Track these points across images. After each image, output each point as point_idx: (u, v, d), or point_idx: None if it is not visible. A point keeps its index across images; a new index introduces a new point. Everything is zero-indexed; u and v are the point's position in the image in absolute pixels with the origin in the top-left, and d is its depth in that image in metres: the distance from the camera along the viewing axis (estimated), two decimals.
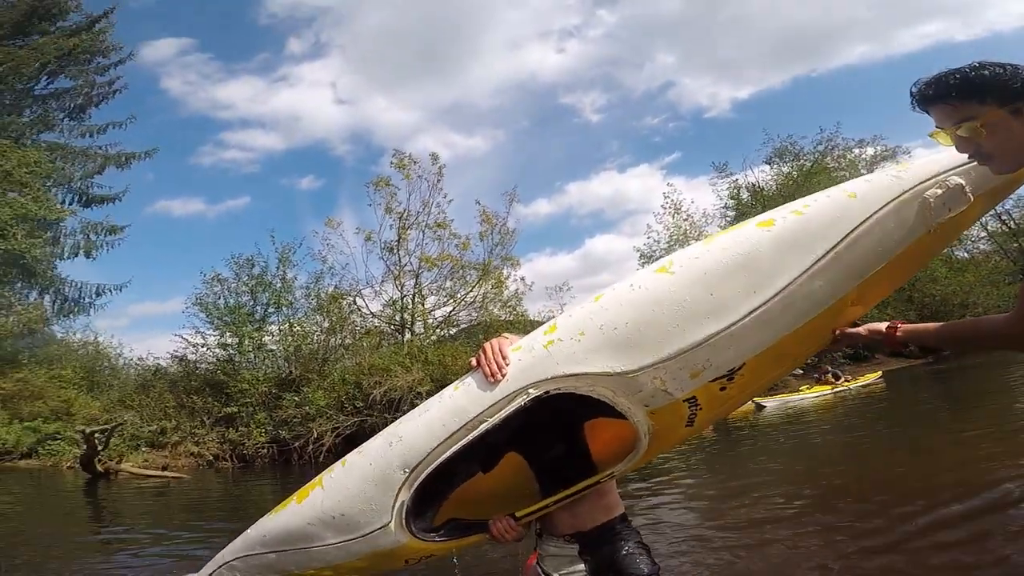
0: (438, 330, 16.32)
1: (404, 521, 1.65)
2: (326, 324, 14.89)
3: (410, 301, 16.10)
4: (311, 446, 12.28)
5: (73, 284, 15.67)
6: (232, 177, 38.58)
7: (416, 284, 16.07)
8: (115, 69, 17.52)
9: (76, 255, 15.75)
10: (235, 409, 12.61)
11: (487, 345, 1.63)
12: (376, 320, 16.10)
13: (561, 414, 1.71)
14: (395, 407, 12.65)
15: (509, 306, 16.14)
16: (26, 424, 11.39)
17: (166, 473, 10.15)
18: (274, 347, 14.21)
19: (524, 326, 15.08)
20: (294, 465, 11.98)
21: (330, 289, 15.30)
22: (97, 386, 13.71)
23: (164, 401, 12.65)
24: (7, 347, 12.92)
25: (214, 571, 2.21)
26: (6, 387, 11.92)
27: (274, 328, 14.32)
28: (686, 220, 20.54)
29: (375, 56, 44.87)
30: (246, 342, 13.60)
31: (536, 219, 40.28)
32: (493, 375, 1.55)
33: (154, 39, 38.43)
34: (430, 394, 12.29)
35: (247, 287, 14.17)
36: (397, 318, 16.06)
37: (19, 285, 14.04)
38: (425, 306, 16.35)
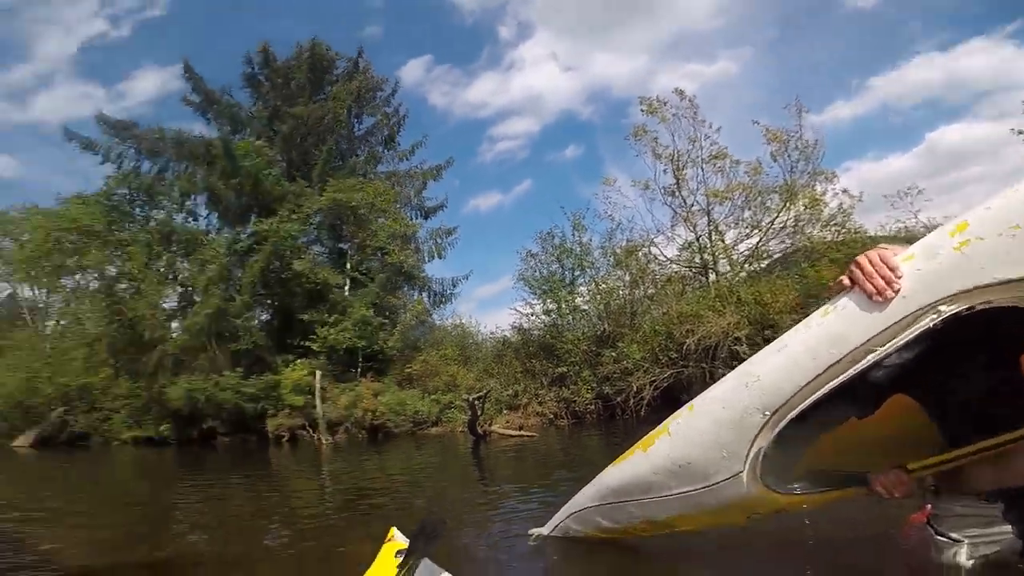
0: (746, 266, 14.98)
1: (758, 471, 1.49)
2: (627, 278, 15.15)
3: (707, 240, 15.22)
4: (632, 400, 12.67)
5: (437, 280, 19.82)
6: (510, 165, 43.30)
7: (709, 221, 15.09)
8: (393, 98, 20.95)
9: (432, 258, 19.94)
10: (564, 369, 13.99)
11: (863, 258, 1.33)
12: (675, 266, 15.68)
13: (982, 339, 1.35)
14: (711, 355, 12.24)
15: (834, 225, 13.79)
16: (431, 397, 14.55)
17: (522, 432, 11.53)
18: (586, 307, 15.27)
19: (863, 245, 12.64)
20: (618, 420, 12.58)
21: (623, 244, 15.53)
22: (468, 360, 16.48)
23: (513, 367, 14.92)
24: (410, 337, 16.89)
25: (558, 524, 2.43)
26: (415, 368, 15.51)
27: (583, 289, 15.34)
28: None
29: (575, 16, 43.64)
30: (562, 305, 15.00)
31: (838, 124, 33.96)
32: (881, 292, 1.25)
33: (402, 64, 45.97)
34: (749, 339, 11.45)
35: (554, 257, 15.54)
36: (697, 260, 15.42)
37: (405, 288, 18.37)
38: (725, 242, 15.22)
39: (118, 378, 15.13)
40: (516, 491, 4.78)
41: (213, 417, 14.73)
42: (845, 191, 13.88)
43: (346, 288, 16.74)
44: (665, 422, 1.79)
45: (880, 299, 1.26)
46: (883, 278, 1.26)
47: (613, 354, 13.44)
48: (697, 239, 15.21)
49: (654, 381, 12.82)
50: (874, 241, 12.48)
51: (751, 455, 1.48)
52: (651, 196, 15.48)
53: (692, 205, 15.09)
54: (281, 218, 15.83)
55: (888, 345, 1.28)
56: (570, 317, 15.17)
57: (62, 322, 17.99)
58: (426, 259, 19.45)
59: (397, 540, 1.90)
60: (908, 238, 12.23)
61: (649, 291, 15.26)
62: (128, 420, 14.65)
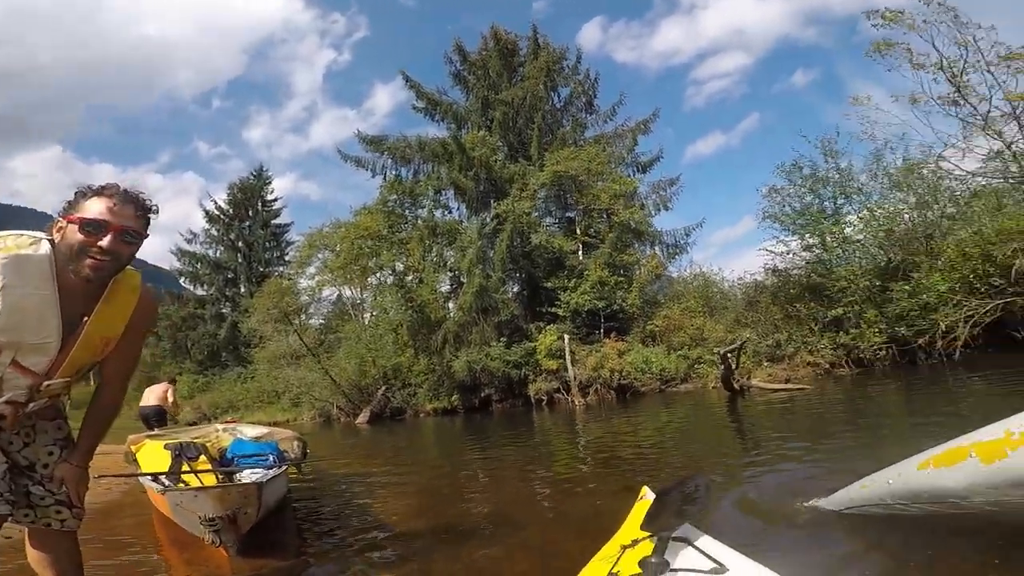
0: None
1: None
2: (911, 199, 12.87)
3: (1022, 146, 12.17)
4: (940, 341, 10.39)
5: (667, 233, 19.63)
6: (729, 103, 39.30)
7: (1021, 126, 12.13)
8: (580, 64, 20.98)
9: (659, 211, 19.82)
10: (840, 311, 12.15)
11: None
12: (980, 179, 12.80)
13: None
14: None
15: None
16: (678, 353, 14.30)
17: (789, 386, 10.38)
18: (860, 237, 13.18)
19: None
20: (921, 365, 10.47)
21: (897, 164, 13.22)
22: (715, 310, 15.84)
23: (771, 314, 13.57)
24: (648, 293, 16.95)
25: (844, 503, 2.15)
26: (658, 324, 15.47)
27: (852, 218, 13.34)
28: None
29: None
30: (828, 239, 13.22)
31: None
32: None
33: (576, 30, 43.22)
34: None
35: (806, 188, 13.92)
36: (1013, 168, 12.37)
37: (636, 245, 18.42)
38: None
39: (417, 357, 18.29)
40: (781, 454, 4.24)
41: (488, 385, 16.91)
42: None
43: (579, 253, 17.47)
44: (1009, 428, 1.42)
45: None
46: None
47: (907, 288, 11.29)
48: (1008, 147, 12.44)
49: (971, 316, 10.22)
50: None
51: None
52: (925, 109, 13.16)
53: (989, 112, 12.51)
54: (513, 198, 17.32)
55: None
56: (839, 251, 13.37)
57: (374, 313, 22.43)
58: (652, 213, 19.34)
59: (648, 498, 1.88)
60: None
61: (948, 210, 12.73)
62: (429, 393, 17.58)
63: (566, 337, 15.29)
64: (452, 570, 2.59)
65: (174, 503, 2.94)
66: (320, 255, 22.99)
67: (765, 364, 12.50)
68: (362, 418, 16.95)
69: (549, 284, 17.02)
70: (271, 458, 3.76)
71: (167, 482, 3.27)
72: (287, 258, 31.86)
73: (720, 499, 2.99)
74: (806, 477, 3.26)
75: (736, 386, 10.16)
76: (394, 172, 20.28)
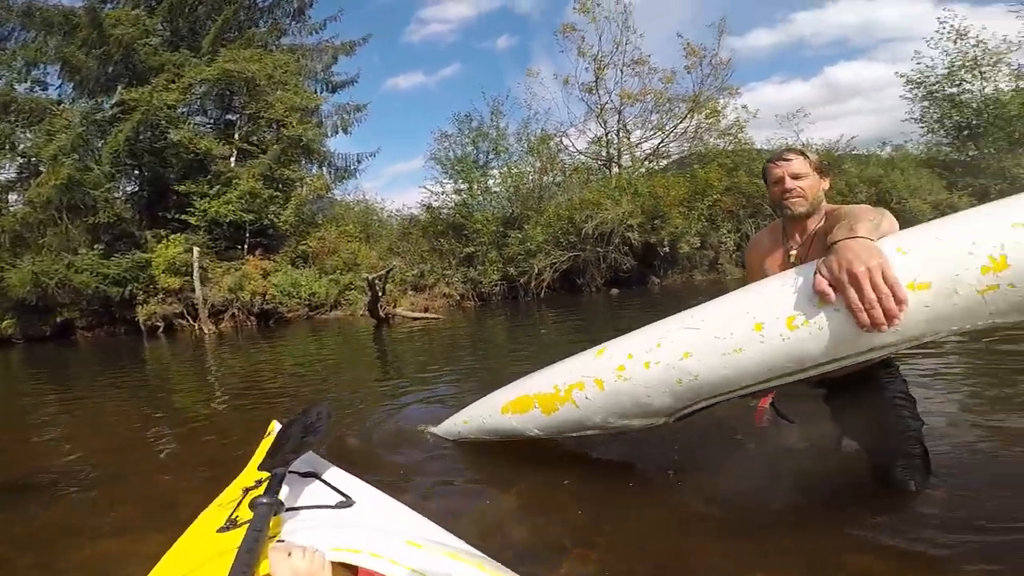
0: (646, 163, 16.60)
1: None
2: (538, 164, 15.78)
3: (615, 136, 16.60)
4: (533, 282, 13.36)
5: (340, 156, 19.07)
6: (440, 48, 42.13)
7: (619, 119, 16.51)
8: None
9: (336, 133, 19.00)
10: (473, 248, 14.12)
11: (864, 278, 1.07)
12: (583, 157, 16.86)
13: None
14: (606, 240, 13.15)
15: (729, 134, 15.64)
16: (330, 277, 13.92)
17: (427, 315, 11.23)
18: (497, 189, 15.52)
19: (749, 156, 14.71)
20: (520, 301, 12.93)
21: (538, 132, 16.12)
22: (371, 238, 16.21)
23: (420, 246, 14.70)
24: (306, 212, 16.08)
25: (452, 430, 2.35)
26: (312, 245, 14.78)
27: (495, 172, 15.64)
28: (975, 46, 15.27)
29: None
30: (474, 186, 15.15)
31: (756, 51, 38.53)
32: (877, 326, 1.08)
33: None
34: (641, 227, 12.37)
35: (469, 139, 15.67)
36: (603, 153, 16.69)
37: (304, 162, 17.38)
38: (631, 140, 16.68)
39: None
40: (420, 379, 4.52)
41: (70, 307, 13.01)
42: (744, 107, 15.80)
43: (232, 159, 15.33)
44: (569, 390, 1.72)
45: (875, 328, 1.09)
46: (886, 312, 1.07)
47: (519, 235, 13.87)
48: (606, 134, 16.64)
49: (555, 264, 13.52)
50: (760, 154, 14.63)
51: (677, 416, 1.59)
52: (570, 91, 16.71)
53: (606, 104, 16.47)
54: (156, 87, 14.18)
55: (849, 360, 1.22)
56: (481, 198, 15.43)
57: None
58: (329, 134, 18.58)
59: (276, 434, 1.67)
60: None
61: (557, 178, 16.10)
62: None
63: (196, 250, 12.90)
64: (20, 535, 1.99)
65: None
66: None
67: (410, 293, 13.49)
68: None
69: (183, 188, 14.34)
70: None
71: None
72: None
73: (351, 428, 2.98)
74: (434, 403, 3.50)
75: (382, 314, 10.52)
76: None
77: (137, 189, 16.04)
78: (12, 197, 14.70)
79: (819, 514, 1.54)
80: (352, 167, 19.26)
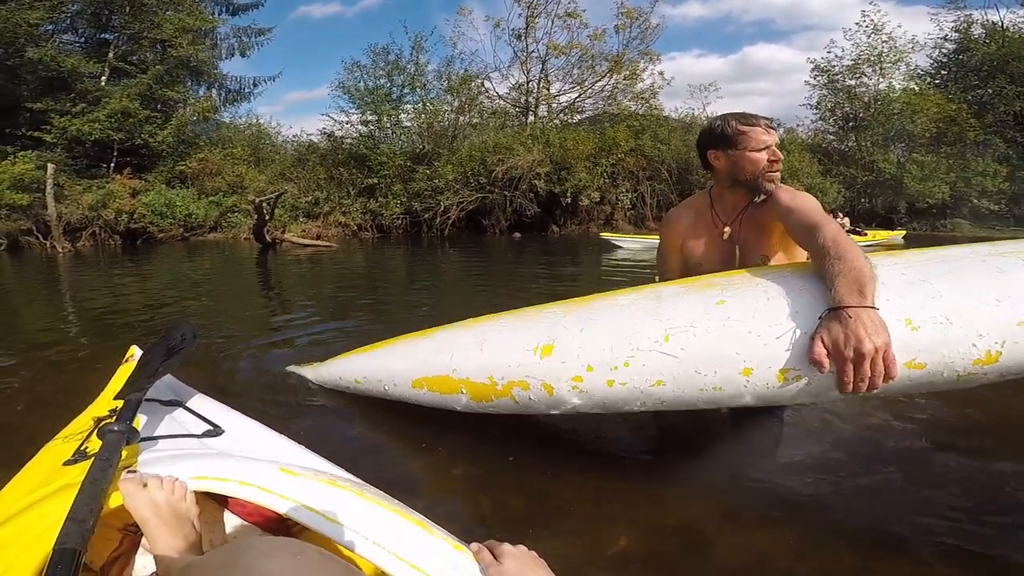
0: (562, 115, 16.60)
1: None
2: (456, 104, 15.32)
3: (535, 85, 16.45)
4: (439, 219, 13.20)
5: (233, 78, 17.71)
6: None
7: (543, 70, 16.34)
8: None
9: (232, 55, 17.69)
10: (375, 180, 13.47)
11: (868, 349, 0.98)
12: (502, 102, 16.57)
13: None
14: (515, 185, 13.25)
15: (642, 98, 15.83)
16: (211, 199, 12.89)
17: (319, 243, 10.70)
18: (409, 124, 14.91)
19: (656, 121, 15.10)
20: (423, 237, 12.67)
21: (460, 72, 15.61)
22: (262, 162, 15.00)
23: (316, 173, 13.73)
24: (187, 133, 14.58)
25: (323, 376, 2.07)
26: (192, 166, 13.46)
27: (409, 107, 15.00)
28: (886, 42, 16.02)
29: None
30: (384, 119, 14.36)
31: (685, 20, 38.58)
32: (857, 391, 1.03)
33: None
34: (548, 176, 12.68)
35: (384, 72, 14.84)
36: (522, 100, 16.52)
37: (190, 83, 15.91)
38: (550, 91, 16.61)
39: None
40: (303, 311, 4.15)
41: None
42: (661, 73, 16.00)
43: (103, 79, 13.75)
44: (508, 385, 1.45)
45: (846, 393, 1.04)
46: (871, 385, 1.00)
47: (427, 172, 13.46)
48: (528, 83, 16.51)
49: (462, 203, 13.32)
50: (667, 121, 15.31)
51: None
52: (499, 35, 17.19)
53: (532, 52, 16.28)
54: (18, 4, 12.43)
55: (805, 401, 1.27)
56: (389, 131, 14.78)
57: None
58: (223, 56, 17.41)
59: (135, 359, 1.52)
60: (691, 123, 14.83)
61: (474, 120, 15.74)
62: None
63: (50, 167, 11.15)
64: None
65: None
66: None
67: (301, 220, 12.79)
68: None
69: (38, 105, 12.67)
70: None
71: None
72: None
73: (223, 355, 2.72)
74: (314, 335, 3.22)
75: (268, 239, 9.85)
76: None
77: None
78: None
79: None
80: (247, 90, 18.14)
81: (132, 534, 0.95)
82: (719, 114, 1.54)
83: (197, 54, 14.70)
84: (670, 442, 1.71)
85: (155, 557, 0.79)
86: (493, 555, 0.66)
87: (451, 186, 13.23)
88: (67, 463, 0.96)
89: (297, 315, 3.98)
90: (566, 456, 1.60)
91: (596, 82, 16.34)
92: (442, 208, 13.17)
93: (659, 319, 1.27)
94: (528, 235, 12.88)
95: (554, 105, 16.68)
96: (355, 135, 14.68)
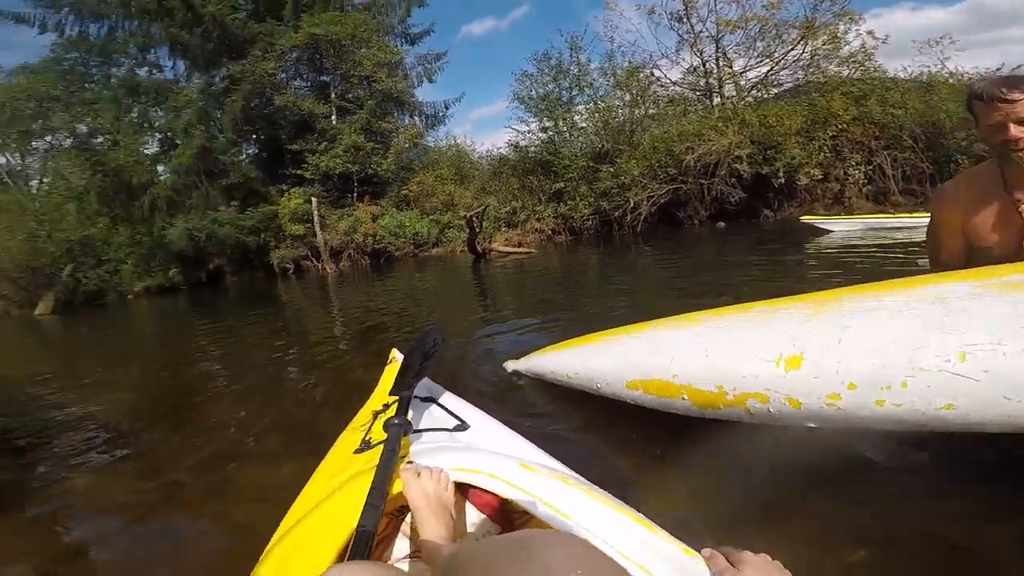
0: (753, 92, 14.95)
1: None
2: (627, 98, 14.92)
3: (714, 66, 15.15)
4: (629, 216, 12.90)
5: (428, 104, 19.46)
6: None
7: (718, 48, 14.98)
8: None
9: (422, 82, 19.38)
10: (562, 184, 13.87)
11: None
12: (678, 88, 15.59)
13: None
14: (711, 172, 12.28)
15: (854, 62, 13.47)
16: (430, 218, 14.73)
17: (520, 250, 11.43)
18: (584, 125, 14.99)
19: (882, 84, 12.58)
20: (615, 235, 12.51)
21: (624, 66, 15.14)
22: (465, 179, 16.51)
23: (510, 184, 14.73)
24: (404, 160, 16.73)
25: (534, 370, 2.20)
26: (412, 189, 15.53)
27: (581, 108, 15.07)
28: None
29: None
30: (560, 123, 14.74)
31: None
32: None
33: None
34: (751, 157, 11.18)
35: (550, 77, 15.16)
36: (701, 83, 15.37)
37: (396, 113, 18.04)
38: (733, 69, 15.08)
39: (116, 227, 14.91)
40: (513, 312, 4.59)
41: (218, 256, 14.81)
42: (870, 32, 13.39)
43: (332, 117, 16.13)
44: (742, 396, 1.32)
45: None
46: None
47: (611, 170, 13.34)
48: (703, 64, 15.23)
49: (652, 196, 12.85)
50: (895, 83, 12.67)
51: None
52: (656, 21, 15.38)
53: (700, 32, 15.02)
54: (254, 58, 15.17)
55: None
56: (567, 134, 15.00)
57: (44, 180, 17.35)
58: (415, 84, 19.04)
59: (397, 361, 1.83)
60: (930, 82, 11.87)
61: (650, 111, 15.15)
62: (137, 270, 14.69)
63: (314, 200, 14.19)
64: (194, 463, 2.20)
65: None
66: None
67: (503, 229, 13.78)
68: (43, 308, 13.28)
69: (295, 147, 15.46)
70: None
71: None
72: None
73: (460, 357, 3.08)
74: (527, 334, 3.51)
75: (479, 249, 10.83)
76: (78, 28, 16.21)
77: (257, 151, 17.42)
78: (159, 168, 16.50)
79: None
80: (440, 114, 19.65)
81: (395, 518, 1.03)
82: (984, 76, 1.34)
83: (395, 85, 16.41)
84: (915, 454, 1.45)
85: (420, 542, 0.85)
86: (729, 561, 0.62)
87: (638, 181, 12.89)
88: (356, 451, 1.14)
89: (508, 315, 4.39)
90: (799, 460, 1.45)
91: (788, 52, 14.37)
92: (631, 204, 12.90)
93: (949, 332, 1.04)
94: (734, 223, 11.81)
95: (742, 83, 15.08)
96: (537, 142, 15.28)
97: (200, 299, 11.79)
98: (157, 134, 16.77)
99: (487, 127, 47.14)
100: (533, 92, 15.26)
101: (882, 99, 12.09)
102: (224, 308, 9.32)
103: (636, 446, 1.71)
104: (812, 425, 1.23)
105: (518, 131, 15.51)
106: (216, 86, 16.11)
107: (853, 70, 13.38)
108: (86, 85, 16.36)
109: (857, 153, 12.09)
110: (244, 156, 16.84)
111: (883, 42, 13.25)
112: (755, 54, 14.78)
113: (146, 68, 17.02)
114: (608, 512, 0.83)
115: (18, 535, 1.82)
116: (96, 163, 14.45)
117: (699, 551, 0.69)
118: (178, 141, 15.73)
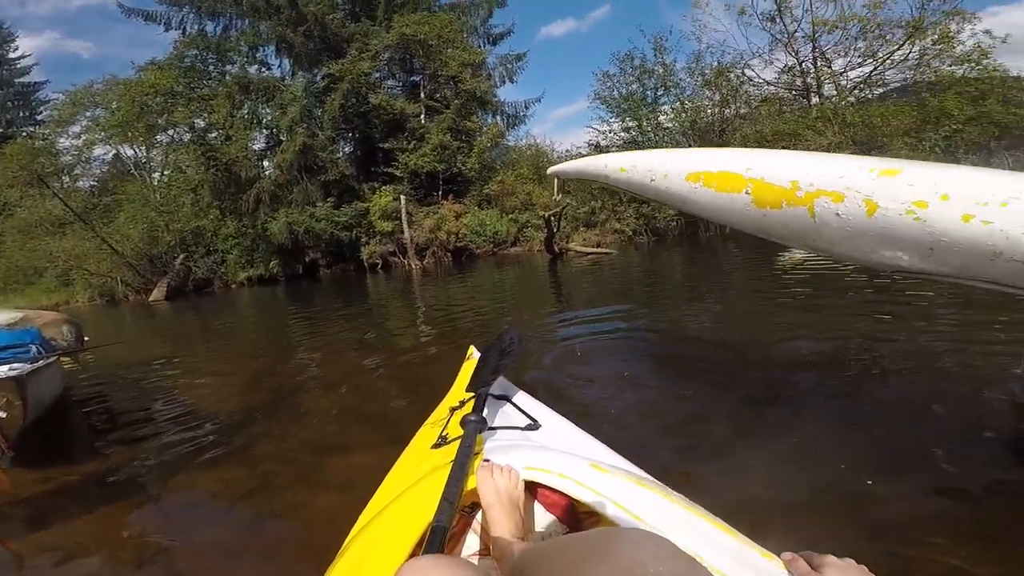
0: (855, 92, 14.12)
1: None
2: (716, 98, 14.52)
3: (811, 65, 14.46)
4: None
5: (509, 104, 19.70)
6: None
7: (814, 47, 14.30)
8: None
9: (504, 82, 19.62)
10: None
11: None
12: (772, 87, 14.95)
13: None
14: None
15: (970, 60, 12.37)
16: (510, 217, 14.95)
17: (599, 249, 11.35)
18: (669, 125, 14.68)
19: (1003, 83, 11.54)
20: (700, 237, 12.12)
21: (712, 66, 14.72)
22: (544, 179, 16.18)
23: (590, 184, 14.90)
24: (487, 159, 16.95)
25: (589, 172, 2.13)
26: (493, 188, 15.77)
27: (667, 108, 14.80)
28: None
29: None
30: (644, 123, 14.52)
31: None
32: None
33: None
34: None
35: (634, 77, 15.04)
36: (798, 83, 14.71)
37: (480, 113, 18.27)
38: (832, 68, 14.32)
39: (224, 219, 16.16)
40: (591, 310, 4.57)
41: (313, 249, 15.77)
42: (987, 32, 12.31)
43: (422, 116, 16.66)
44: (815, 194, 1.29)
45: None
46: None
47: None
48: (799, 64, 14.67)
49: None
50: (1018, 82, 11.68)
51: None
52: (747, 21, 15.02)
53: (795, 32, 14.45)
54: (352, 57, 15.88)
55: None
56: (651, 134, 14.76)
57: (166, 172, 18.97)
58: (497, 84, 19.27)
59: (474, 358, 1.84)
60: None
61: (742, 111, 14.78)
62: (241, 260, 15.89)
63: (403, 198, 14.74)
64: (284, 452, 2.32)
65: None
66: (88, 113, 17.88)
67: (581, 229, 13.68)
68: (157, 294, 14.43)
69: (387, 145, 16.16)
70: (33, 349, 2.87)
71: None
72: (40, 118, 25.19)
73: (534, 356, 3.10)
74: (608, 335, 3.50)
75: (557, 249, 10.85)
76: (197, 27, 17.67)
77: (352, 149, 18.27)
78: (264, 163, 17.47)
79: None
80: (521, 114, 19.84)
81: (467, 515, 1.02)
82: None
83: (479, 85, 16.64)
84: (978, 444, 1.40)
85: (492, 539, 0.84)
86: (811, 565, 0.60)
87: None
88: (434, 447, 1.15)
89: (580, 318, 4.34)
90: (892, 464, 1.44)
91: (893, 52, 13.46)
92: None
93: None
94: None
95: (843, 82, 14.27)
96: (619, 142, 15.10)
97: (296, 290, 12.50)
98: (264, 130, 17.79)
99: (566, 126, 46.91)
100: (615, 92, 15.16)
101: (1004, 98, 11.06)
102: (318, 300, 9.84)
103: (707, 447, 1.74)
104: (872, 240, 1.16)
105: (599, 131, 15.47)
106: (317, 85, 16.91)
107: (968, 69, 12.32)
108: (203, 82, 17.54)
109: (974, 154, 11.06)
110: (340, 154, 17.59)
111: (1003, 41, 12.05)
112: (856, 54, 13.98)
113: (256, 66, 17.91)
114: (682, 514, 0.81)
115: (117, 516, 1.94)
116: (210, 157, 15.57)
117: (779, 555, 0.68)
118: (283, 137, 16.62)
